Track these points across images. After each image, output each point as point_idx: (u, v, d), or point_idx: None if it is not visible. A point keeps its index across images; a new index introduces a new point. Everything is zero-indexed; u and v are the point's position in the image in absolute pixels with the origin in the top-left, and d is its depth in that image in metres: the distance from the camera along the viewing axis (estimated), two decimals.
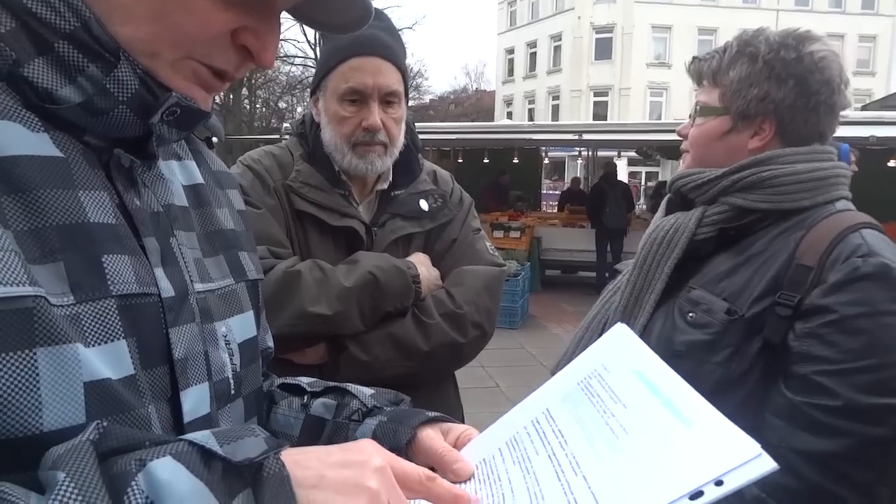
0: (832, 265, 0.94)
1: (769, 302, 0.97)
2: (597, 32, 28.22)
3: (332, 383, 0.77)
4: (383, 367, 1.20)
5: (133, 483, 0.39)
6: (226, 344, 0.61)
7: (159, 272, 0.54)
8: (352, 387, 0.75)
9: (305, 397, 0.75)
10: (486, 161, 10.42)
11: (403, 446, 0.64)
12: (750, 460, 0.43)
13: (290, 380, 0.79)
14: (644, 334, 1.08)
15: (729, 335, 0.98)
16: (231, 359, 0.61)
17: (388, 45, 1.24)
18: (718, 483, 0.43)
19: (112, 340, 0.48)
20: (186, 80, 0.55)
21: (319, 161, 1.29)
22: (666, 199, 1.23)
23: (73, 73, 0.50)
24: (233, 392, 0.61)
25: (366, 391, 0.74)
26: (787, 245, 1.00)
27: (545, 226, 9.90)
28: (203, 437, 0.44)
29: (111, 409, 0.46)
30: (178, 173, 0.65)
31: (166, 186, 0.61)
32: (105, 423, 0.42)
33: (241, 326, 0.64)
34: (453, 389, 1.39)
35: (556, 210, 11.77)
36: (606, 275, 9.18)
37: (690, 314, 1.03)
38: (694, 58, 1.16)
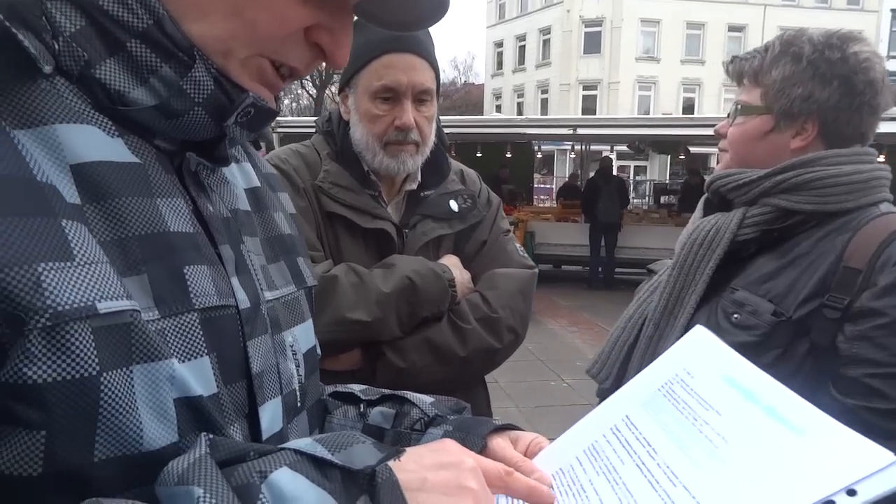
0: (882, 268, 0.93)
1: (817, 304, 0.97)
2: (586, 26, 28.22)
3: (386, 391, 0.75)
4: (419, 372, 1.19)
5: (261, 496, 0.39)
6: (293, 354, 0.60)
7: (235, 282, 0.53)
8: (410, 395, 0.73)
9: (361, 406, 0.73)
10: (479, 155, 10.41)
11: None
12: (885, 468, 0.42)
13: (341, 388, 0.77)
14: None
15: (776, 337, 0.98)
16: (298, 370, 0.60)
17: (421, 42, 1.21)
18: (851, 493, 0.42)
19: (197, 357, 0.47)
20: (253, 78, 0.53)
21: (348, 160, 1.27)
22: (703, 199, 1.22)
23: (145, 73, 0.48)
24: (299, 404, 0.60)
25: (425, 399, 0.72)
26: (833, 247, 0.99)
27: (538, 220, 9.91)
28: (307, 445, 0.44)
29: (199, 427, 0.46)
30: (238, 176, 0.63)
31: (231, 190, 0.59)
32: (211, 436, 0.42)
33: (304, 335, 0.63)
34: (483, 393, 1.38)
35: (554, 204, 11.81)
36: (599, 270, 9.24)
37: (735, 315, 1.02)
38: (734, 57, 1.15)
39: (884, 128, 1.16)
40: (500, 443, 0.64)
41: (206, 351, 0.48)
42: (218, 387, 0.48)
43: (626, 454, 0.57)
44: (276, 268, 0.61)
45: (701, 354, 0.61)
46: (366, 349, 1.20)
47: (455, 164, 1.40)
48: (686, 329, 1.08)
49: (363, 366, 1.20)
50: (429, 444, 0.52)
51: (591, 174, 10.28)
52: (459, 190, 1.34)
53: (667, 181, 17.97)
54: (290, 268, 0.64)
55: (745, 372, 0.57)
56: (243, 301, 0.53)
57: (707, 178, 1.21)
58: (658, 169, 24.75)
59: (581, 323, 7.05)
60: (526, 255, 1.39)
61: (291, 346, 0.60)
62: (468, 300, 1.25)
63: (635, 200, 11.94)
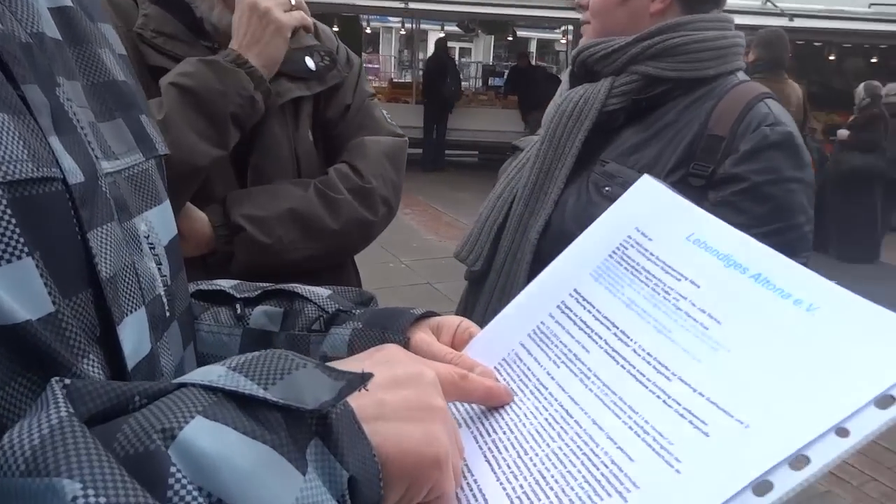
0: (743, 134, 0.95)
1: (683, 173, 0.98)
2: None
3: (267, 285, 0.61)
4: (286, 250, 1.05)
5: (173, 469, 0.26)
6: (150, 248, 0.44)
7: (56, 143, 0.35)
8: (301, 288, 0.59)
9: (237, 306, 0.59)
10: None
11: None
12: None
13: (204, 285, 0.61)
14: (556, 209, 1.05)
15: None
16: (160, 269, 0.45)
17: None
18: None
19: (12, 258, 0.30)
20: None
21: (174, 4, 1.03)
22: (567, 72, 1.17)
23: None
24: (168, 314, 0.45)
25: (321, 292, 0.59)
26: (698, 115, 1.00)
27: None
28: (222, 376, 0.31)
29: (31, 370, 0.30)
30: None
31: (28, 4, 0.38)
32: (67, 381, 0.28)
33: (162, 222, 0.47)
34: (354, 274, 1.28)
35: (384, 85, 11.41)
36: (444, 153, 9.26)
37: (606, 188, 1.01)
38: None
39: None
40: (422, 337, 0.53)
41: (24, 249, 0.31)
42: (55, 303, 0.32)
43: (589, 339, 0.48)
44: (111, 128, 0.43)
45: (654, 210, 0.51)
46: (219, 228, 1.03)
47: None
48: (557, 204, 1.05)
49: (216, 247, 1.03)
50: (368, 353, 0.41)
51: (426, 55, 10.03)
52: (314, 46, 1.15)
53: (490, 63, 18.15)
54: (133, 129, 0.46)
55: (718, 232, 0.48)
56: (73, 172, 0.35)
57: (574, 51, 1.16)
58: (482, 51, 24.86)
59: (415, 205, 7.11)
60: (393, 121, 1.26)
61: (147, 238, 0.44)
62: (337, 170, 1.11)
63: (463, 83, 11.95)
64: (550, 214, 1.05)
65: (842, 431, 0.33)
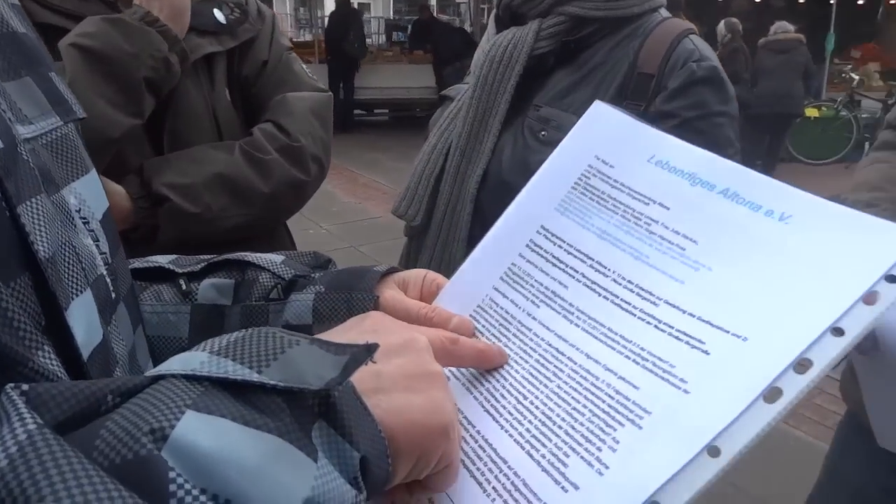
0: (671, 72, 0.97)
1: None
2: None
3: (212, 256, 0.56)
4: (217, 218, 0.98)
5: (172, 474, 0.22)
6: (84, 224, 0.39)
7: None
8: (250, 256, 0.55)
9: (181, 282, 0.54)
10: None
11: None
12: None
13: (138, 262, 0.56)
14: (493, 158, 1.04)
15: None
16: (98, 246, 0.40)
17: None
18: (892, 279, 0.35)
19: None
20: None
21: None
22: (492, 16, 1.15)
23: None
24: (113, 295, 0.41)
25: (274, 258, 0.55)
26: (626, 54, 1.00)
27: None
28: (205, 362, 0.27)
29: None
30: None
31: None
32: (25, 386, 0.23)
33: (92, 193, 0.42)
34: (287, 237, 1.22)
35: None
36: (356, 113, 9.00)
37: (542, 132, 1.00)
38: None
39: None
40: (392, 294, 0.51)
41: None
42: None
43: (565, 275, 0.46)
44: (18, 88, 0.37)
45: (612, 136, 0.50)
46: (140, 200, 0.95)
47: None
48: (493, 153, 1.04)
49: (136, 221, 0.95)
50: (353, 323, 0.39)
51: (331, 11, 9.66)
52: None
53: (392, 17, 17.73)
54: (44, 88, 0.40)
55: (678, 151, 0.47)
56: None
57: None
58: (382, 6, 24.24)
59: (329, 168, 6.93)
60: (315, 76, 1.19)
61: (79, 212, 0.39)
62: (262, 129, 1.05)
63: (366, 39, 11.62)
64: (488, 163, 1.04)
65: (837, 331, 0.35)
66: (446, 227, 1.08)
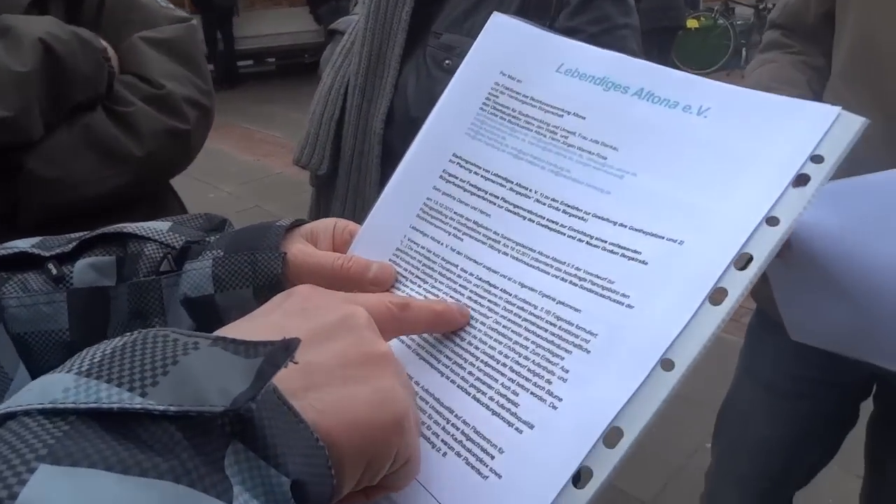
0: None
1: None
2: None
3: (80, 234, 0.48)
4: (84, 184, 0.87)
5: None
6: None
7: None
8: (130, 226, 0.47)
9: (50, 266, 0.46)
10: None
11: (280, 279, 0.44)
12: (834, 121, 0.34)
13: None
14: (397, 93, 0.97)
15: None
16: None
17: None
18: (817, 159, 0.34)
19: None
20: None
21: None
22: None
23: None
24: None
25: (159, 226, 0.48)
26: None
27: None
28: (70, 389, 0.21)
29: None
30: None
31: None
32: None
33: None
34: (175, 200, 1.11)
35: None
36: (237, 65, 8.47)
37: (446, 61, 0.95)
38: None
39: None
40: (300, 248, 0.45)
41: None
42: None
43: (485, 202, 0.43)
44: None
45: (515, 49, 0.47)
46: None
47: None
48: (396, 88, 0.98)
49: None
50: (274, 304, 0.32)
51: None
52: None
53: None
54: None
55: (586, 56, 0.45)
56: None
57: None
58: None
59: (220, 127, 6.55)
60: (169, 3, 1.04)
61: None
62: (119, 80, 0.93)
63: None
64: (391, 100, 0.98)
65: (772, 220, 0.34)
66: (355, 172, 1.02)
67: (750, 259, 0.33)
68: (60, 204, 0.85)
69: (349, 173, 1.02)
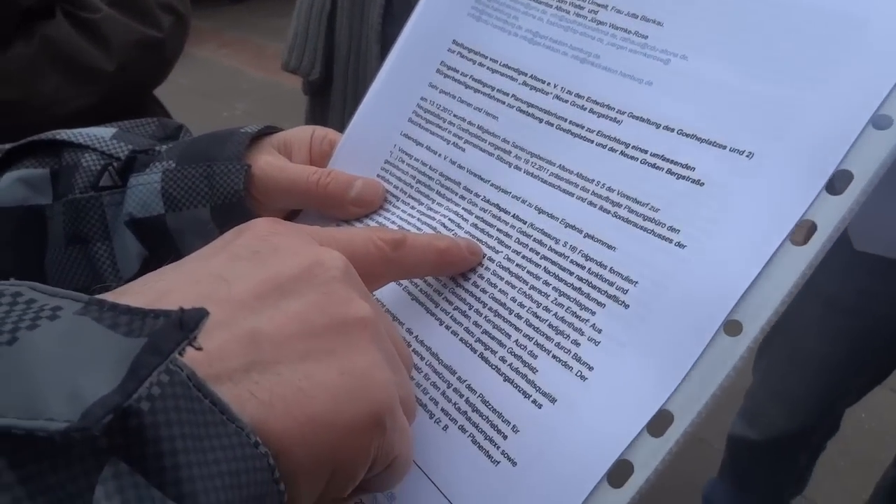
0: None
1: None
2: None
3: (6, 146, 0.39)
4: (52, 105, 0.78)
5: None
6: None
7: None
8: (64, 133, 0.39)
9: None
10: None
11: (242, 198, 0.36)
12: None
13: None
14: None
15: None
16: None
17: None
18: None
19: None
20: None
21: None
22: None
23: None
24: None
25: (100, 133, 0.39)
26: None
27: None
28: None
29: None
30: None
31: None
32: None
33: None
34: (160, 111, 1.00)
35: None
36: None
37: None
38: None
39: None
40: (269, 161, 0.37)
41: None
42: None
43: (492, 101, 0.34)
44: None
45: None
46: None
47: None
48: None
49: None
50: (221, 243, 0.23)
51: None
52: None
53: None
54: None
55: None
56: None
57: None
58: None
59: (231, 43, 6.31)
60: None
61: None
62: None
63: None
64: None
65: (883, 120, 0.24)
66: (353, 75, 0.89)
67: (850, 178, 0.24)
68: (28, 126, 0.75)
69: (345, 78, 0.90)
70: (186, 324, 0.16)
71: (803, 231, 0.24)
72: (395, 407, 0.21)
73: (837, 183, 0.24)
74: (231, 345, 0.18)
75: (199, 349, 0.17)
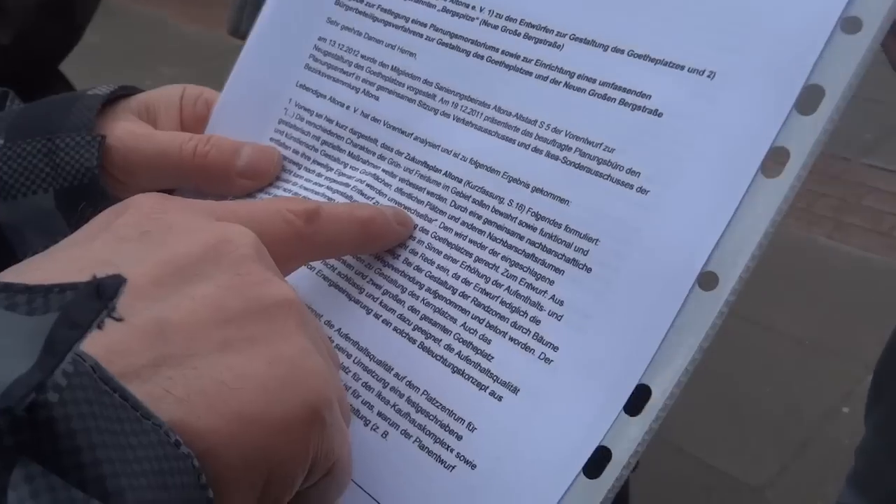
0: None
1: None
2: None
3: None
4: None
5: None
6: None
7: None
8: None
9: None
10: None
11: (97, 179, 0.30)
12: None
13: None
14: None
15: None
16: None
17: None
18: None
19: None
20: None
21: None
22: None
23: None
24: None
25: None
26: None
27: None
28: None
29: None
30: None
31: None
32: None
33: None
34: (66, 90, 0.91)
35: None
36: None
37: None
38: None
39: None
40: (128, 129, 0.31)
41: None
42: None
43: (407, 34, 0.29)
44: None
45: None
46: None
47: None
48: None
49: None
50: (100, 224, 0.20)
51: None
52: None
53: None
54: None
55: None
56: None
57: None
58: None
59: None
60: None
61: None
62: None
63: None
64: None
65: (850, 23, 0.21)
66: None
67: (822, 94, 0.21)
68: None
69: None
70: (104, 292, 0.14)
71: (776, 158, 0.21)
72: (333, 398, 0.19)
73: (807, 101, 0.21)
74: (133, 338, 0.16)
75: (120, 320, 0.15)
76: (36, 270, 0.17)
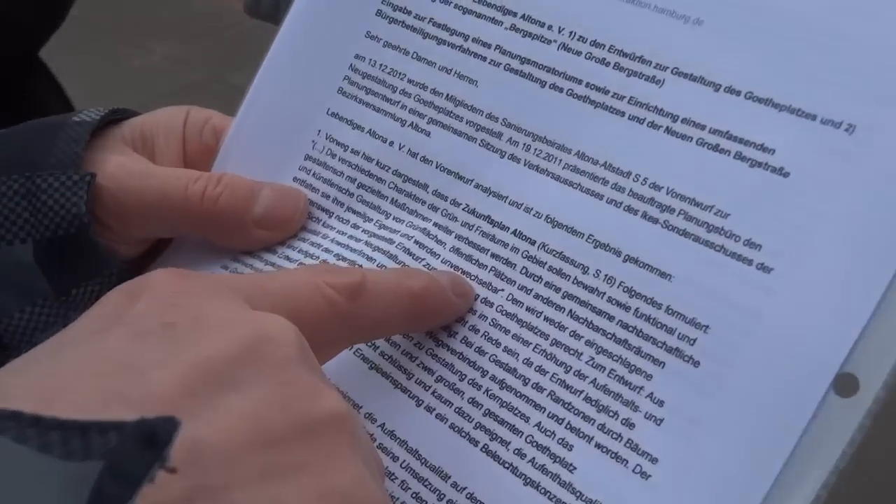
0: None
1: None
2: None
3: None
4: None
5: None
6: None
7: None
8: None
9: None
10: None
11: (86, 228, 0.25)
12: None
13: None
14: None
15: None
16: None
17: None
18: None
19: None
20: None
21: None
22: None
23: None
24: None
25: None
26: None
27: None
28: None
29: None
30: None
31: None
32: None
33: None
34: (52, 88, 0.85)
35: None
36: None
37: None
38: None
39: None
40: (122, 164, 0.26)
41: None
42: None
43: (464, 56, 0.25)
44: None
45: None
46: None
47: None
48: None
49: None
50: (112, 308, 0.16)
51: None
52: None
53: None
54: None
55: None
56: None
57: None
58: None
59: None
60: None
61: None
62: None
63: None
64: None
65: None
66: None
67: None
68: None
69: None
70: (157, 439, 0.13)
71: None
72: None
73: None
74: (170, 475, 0.14)
75: (173, 471, 0.13)
76: (45, 378, 0.15)
